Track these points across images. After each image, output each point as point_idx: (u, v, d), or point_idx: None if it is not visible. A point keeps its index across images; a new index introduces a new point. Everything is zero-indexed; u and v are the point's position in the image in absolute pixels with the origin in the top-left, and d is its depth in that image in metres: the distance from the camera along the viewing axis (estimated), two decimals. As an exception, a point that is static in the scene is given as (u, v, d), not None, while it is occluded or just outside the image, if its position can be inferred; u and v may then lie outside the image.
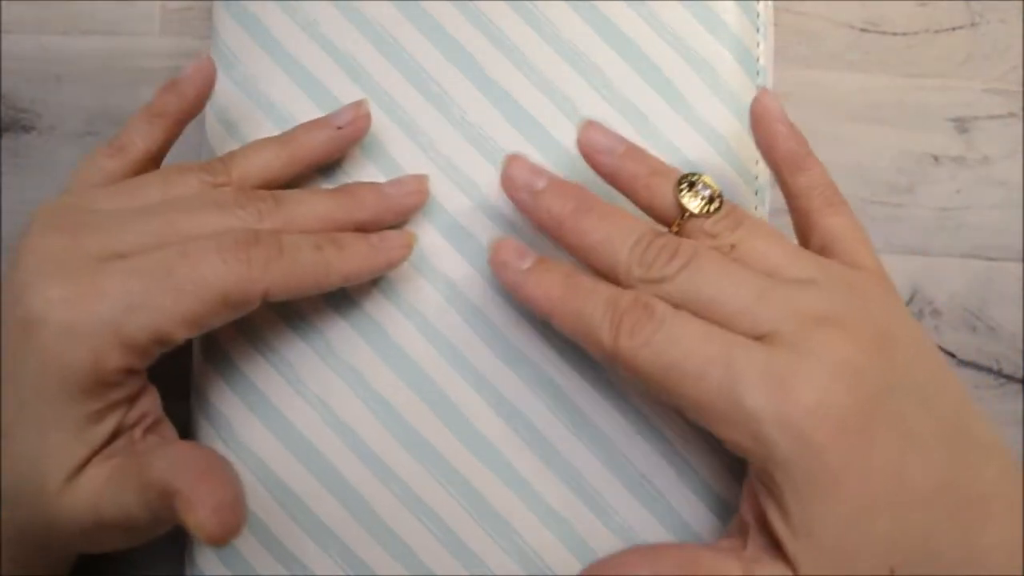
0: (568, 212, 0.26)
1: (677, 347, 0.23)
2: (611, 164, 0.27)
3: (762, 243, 0.25)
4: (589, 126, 0.27)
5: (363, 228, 0.28)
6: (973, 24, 0.35)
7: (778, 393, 0.22)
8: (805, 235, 0.27)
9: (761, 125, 0.27)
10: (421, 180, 0.29)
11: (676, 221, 0.26)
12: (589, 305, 0.24)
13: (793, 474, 0.22)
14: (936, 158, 0.34)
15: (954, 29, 0.35)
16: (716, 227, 0.25)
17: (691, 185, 0.26)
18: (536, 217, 0.26)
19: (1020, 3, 0.35)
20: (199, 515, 0.21)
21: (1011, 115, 0.34)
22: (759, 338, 0.23)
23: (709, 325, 0.24)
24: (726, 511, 0.28)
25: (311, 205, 0.27)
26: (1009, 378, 0.34)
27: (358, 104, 0.28)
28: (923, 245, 0.34)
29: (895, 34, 0.35)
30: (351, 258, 0.26)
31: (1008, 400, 0.34)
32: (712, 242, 0.25)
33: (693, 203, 0.25)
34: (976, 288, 0.34)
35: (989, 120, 0.34)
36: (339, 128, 0.28)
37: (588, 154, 0.27)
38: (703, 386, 0.23)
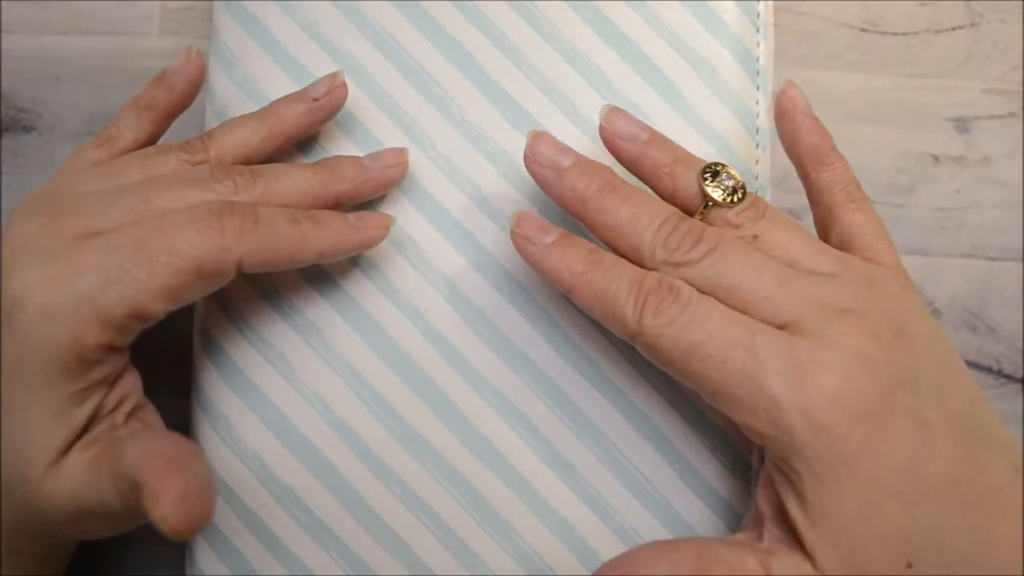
0: (593, 191, 0.26)
1: (701, 329, 0.23)
2: (634, 151, 0.27)
3: (784, 235, 0.25)
4: (613, 112, 0.27)
5: (342, 200, 0.28)
6: (973, 24, 0.35)
7: (799, 381, 0.22)
8: (826, 229, 0.27)
9: (786, 118, 0.27)
10: (401, 153, 0.29)
11: (699, 210, 0.26)
12: (613, 283, 0.24)
13: (811, 461, 0.22)
14: (936, 158, 0.34)
15: (954, 29, 0.35)
16: (739, 217, 0.26)
17: (715, 175, 0.26)
18: (559, 195, 0.26)
19: (1020, 3, 0.35)
20: (163, 508, 0.21)
21: (1011, 115, 0.34)
22: (781, 327, 0.23)
23: (732, 310, 0.24)
24: (727, 511, 0.28)
25: (289, 178, 0.27)
26: (1009, 378, 0.34)
27: (333, 75, 0.28)
28: (923, 245, 0.34)
29: (895, 34, 0.35)
30: (327, 234, 0.26)
31: (1008, 400, 0.34)
32: (735, 232, 0.25)
33: (717, 192, 0.26)
34: (976, 288, 0.34)
35: (989, 120, 0.34)
36: (315, 100, 0.28)
37: (610, 140, 0.27)
38: (726, 370, 0.23)
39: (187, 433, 0.29)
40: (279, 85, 0.30)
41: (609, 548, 0.28)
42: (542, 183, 0.26)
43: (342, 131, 0.30)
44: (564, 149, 0.26)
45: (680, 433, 0.29)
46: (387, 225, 0.28)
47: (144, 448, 0.23)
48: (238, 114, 0.29)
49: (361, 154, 0.29)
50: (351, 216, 0.27)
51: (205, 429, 0.29)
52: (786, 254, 0.25)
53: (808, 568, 0.23)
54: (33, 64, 0.34)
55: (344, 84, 0.28)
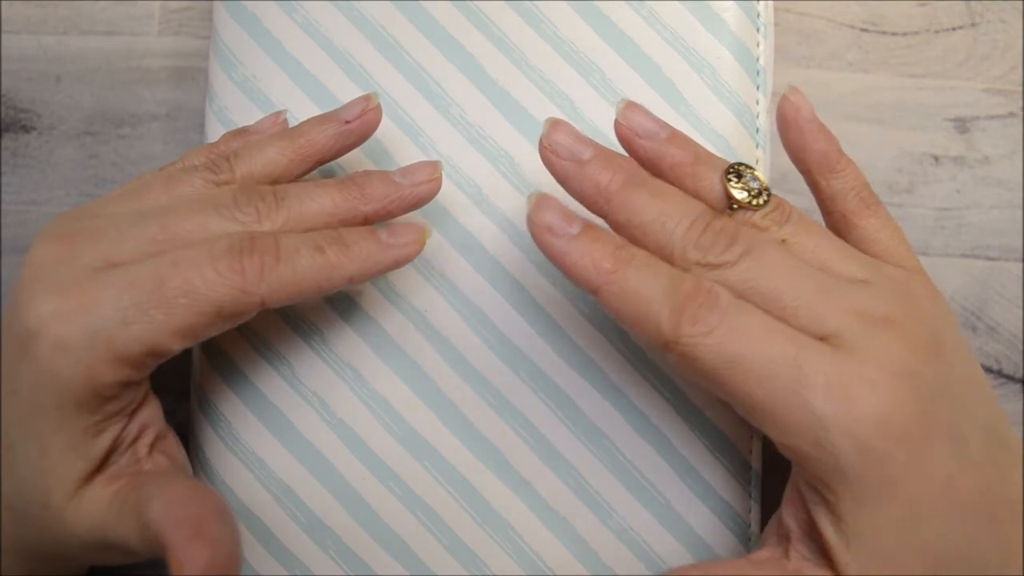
0: (617, 185, 0.24)
1: (742, 341, 0.22)
2: (653, 149, 0.25)
3: (812, 239, 0.24)
4: (630, 108, 0.25)
5: (370, 221, 0.26)
6: (973, 24, 0.35)
7: (845, 400, 0.21)
8: (841, 236, 0.26)
9: (791, 126, 0.26)
10: (433, 167, 0.27)
11: (724, 212, 0.24)
12: (646, 284, 0.22)
13: (852, 482, 0.21)
14: (936, 158, 0.34)
15: (954, 29, 0.35)
16: (765, 220, 0.24)
17: (739, 175, 0.24)
18: (579, 189, 0.24)
19: (1020, 3, 0.35)
20: None
21: (1011, 115, 0.34)
22: (822, 337, 0.22)
23: (773, 319, 0.22)
24: (726, 512, 0.28)
25: (315, 199, 0.25)
26: (1009, 378, 0.34)
27: (367, 98, 0.27)
28: (923, 245, 0.34)
29: (895, 34, 0.35)
30: (356, 257, 0.25)
31: (1008, 400, 0.34)
32: (761, 236, 0.24)
33: (742, 194, 0.24)
34: (976, 288, 0.34)
35: (989, 120, 0.34)
36: (347, 123, 0.26)
37: (627, 138, 0.25)
38: (769, 387, 0.22)
39: (187, 433, 0.29)
40: (279, 85, 0.30)
41: (609, 548, 0.28)
42: (560, 176, 0.25)
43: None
44: (583, 139, 0.25)
45: (680, 434, 0.29)
46: (423, 239, 0.26)
47: (170, 506, 0.22)
48: (239, 115, 0.30)
49: (359, 154, 0.29)
50: (382, 232, 0.25)
51: (205, 430, 0.29)
52: (815, 259, 0.24)
53: None
54: (33, 64, 0.34)
55: (378, 107, 0.27)
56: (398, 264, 0.26)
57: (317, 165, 0.27)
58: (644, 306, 0.22)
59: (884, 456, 0.21)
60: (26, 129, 0.33)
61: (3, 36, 0.34)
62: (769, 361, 0.22)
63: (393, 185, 0.26)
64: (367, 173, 0.27)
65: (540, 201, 0.24)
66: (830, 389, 0.21)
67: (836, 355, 0.22)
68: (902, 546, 0.22)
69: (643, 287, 0.22)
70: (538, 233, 0.23)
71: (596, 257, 0.23)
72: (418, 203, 0.27)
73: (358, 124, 0.27)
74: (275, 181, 0.26)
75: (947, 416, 0.22)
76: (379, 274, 0.26)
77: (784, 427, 0.22)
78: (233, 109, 0.30)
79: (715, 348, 0.22)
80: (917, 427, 0.22)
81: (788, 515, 0.24)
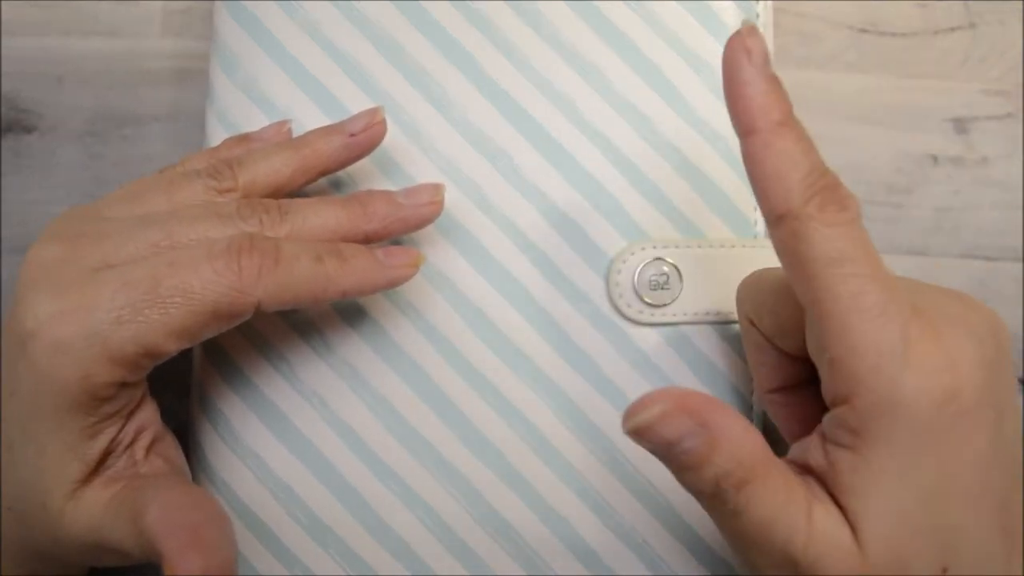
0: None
1: (856, 244, 0.21)
2: None
3: None
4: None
5: (371, 239, 0.27)
6: (972, 25, 0.35)
7: (932, 335, 0.21)
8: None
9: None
10: (436, 190, 0.27)
11: None
12: (798, 153, 0.22)
13: (896, 427, 0.21)
14: (935, 159, 0.34)
15: (952, 30, 0.35)
16: None
17: None
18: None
19: (1019, 3, 0.35)
20: None
21: (1009, 115, 0.35)
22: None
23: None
24: (726, 510, 0.29)
25: (319, 215, 0.26)
26: (1008, 378, 0.34)
27: (372, 111, 0.27)
28: (922, 245, 0.34)
29: (894, 35, 0.35)
30: (353, 272, 0.25)
31: (1007, 400, 0.34)
32: None
33: None
34: (975, 288, 0.34)
35: (987, 121, 0.34)
36: (352, 135, 0.27)
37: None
38: (860, 298, 0.21)
39: (187, 432, 0.29)
40: (280, 86, 0.30)
41: (609, 548, 0.28)
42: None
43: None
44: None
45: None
46: (417, 264, 0.26)
47: (167, 511, 0.22)
48: (239, 116, 0.30)
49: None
50: (380, 252, 0.26)
51: (205, 428, 0.29)
52: None
53: (847, 537, 0.21)
54: (35, 65, 0.34)
55: (383, 121, 0.27)
56: (390, 285, 0.26)
57: (321, 176, 0.27)
58: (787, 169, 0.22)
59: (938, 405, 0.20)
60: (28, 130, 0.34)
61: (5, 37, 0.34)
62: (869, 275, 0.21)
63: (395, 205, 0.27)
64: (370, 192, 0.27)
65: (756, 31, 0.22)
66: (916, 319, 0.21)
67: (925, 300, 0.22)
68: (923, 516, 0.21)
69: (795, 153, 0.22)
70: (735, 52, 0.22)
71: (771, 102, 0.22)
72: (420, 224, 0.27)
73: (364, 137, 0.27)
74: (278, 190, 0.26)
75: (996, 401, 0.21)
76: (371, 292, 0.26)
77: (851, 344, 0.21)
78: (234, 110, 0.30)
79: (829, 238, 0.21)
80: (973, 394, 0.21)
81: (816, 457, 0.22)
